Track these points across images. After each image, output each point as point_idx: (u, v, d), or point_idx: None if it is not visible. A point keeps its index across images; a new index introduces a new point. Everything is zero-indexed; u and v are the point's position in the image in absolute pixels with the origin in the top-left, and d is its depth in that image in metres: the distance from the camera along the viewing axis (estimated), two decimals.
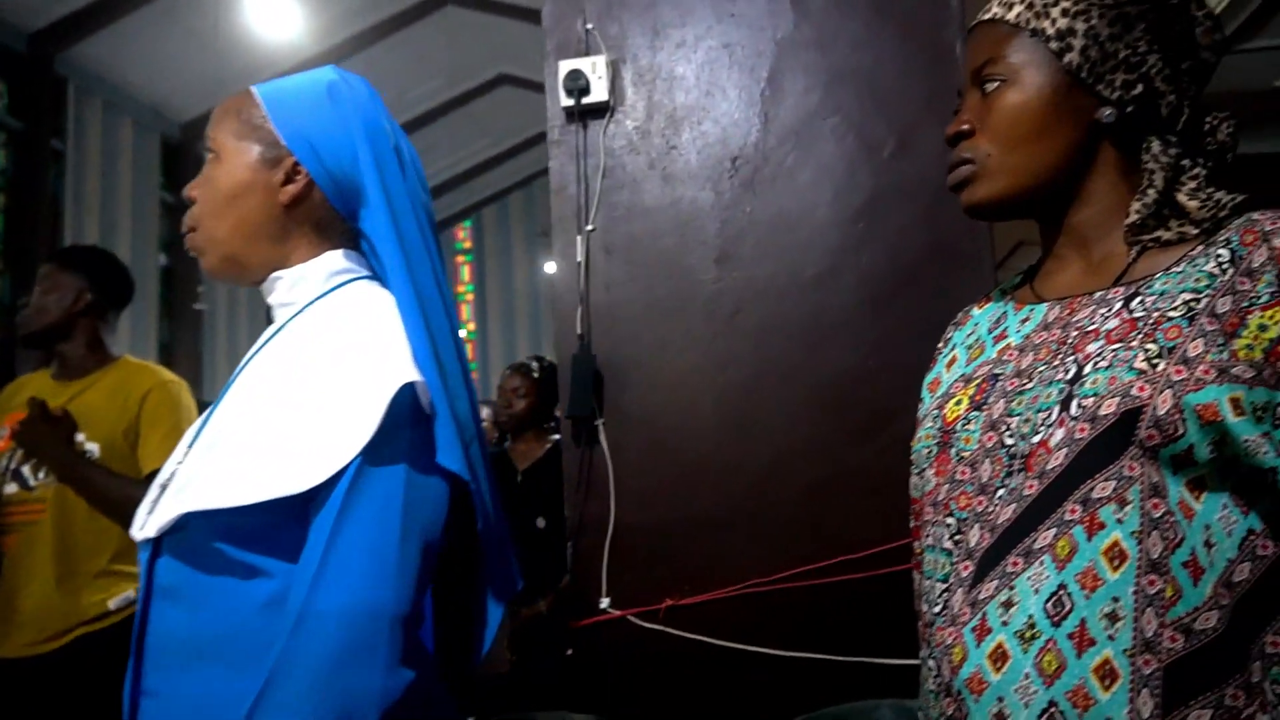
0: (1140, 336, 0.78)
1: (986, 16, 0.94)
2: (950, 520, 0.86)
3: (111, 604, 2.00)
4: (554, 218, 1.94)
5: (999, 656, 0.75)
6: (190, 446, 1.04)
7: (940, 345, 1.06)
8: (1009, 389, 0.85)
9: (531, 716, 1.78)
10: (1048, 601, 0.74)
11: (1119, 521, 0.73)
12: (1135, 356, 0.76)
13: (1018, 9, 0.91)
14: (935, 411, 0.93)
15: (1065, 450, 0.77)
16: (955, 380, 0.94)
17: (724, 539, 1.83)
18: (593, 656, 1.85)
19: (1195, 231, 0.84)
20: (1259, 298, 0.75)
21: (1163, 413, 0.72)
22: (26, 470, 2.04)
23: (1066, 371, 0.81)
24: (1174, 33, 0.87)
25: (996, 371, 0.89)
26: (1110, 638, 0.71)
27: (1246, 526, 0.71)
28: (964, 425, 0.87)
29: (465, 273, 15.63)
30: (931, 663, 0.84)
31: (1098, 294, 0.87)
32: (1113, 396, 0.75)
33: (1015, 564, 0.77)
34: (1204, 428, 0.71)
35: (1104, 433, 0.75)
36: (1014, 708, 0.73)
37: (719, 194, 1.92)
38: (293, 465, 0.93)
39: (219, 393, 1.08)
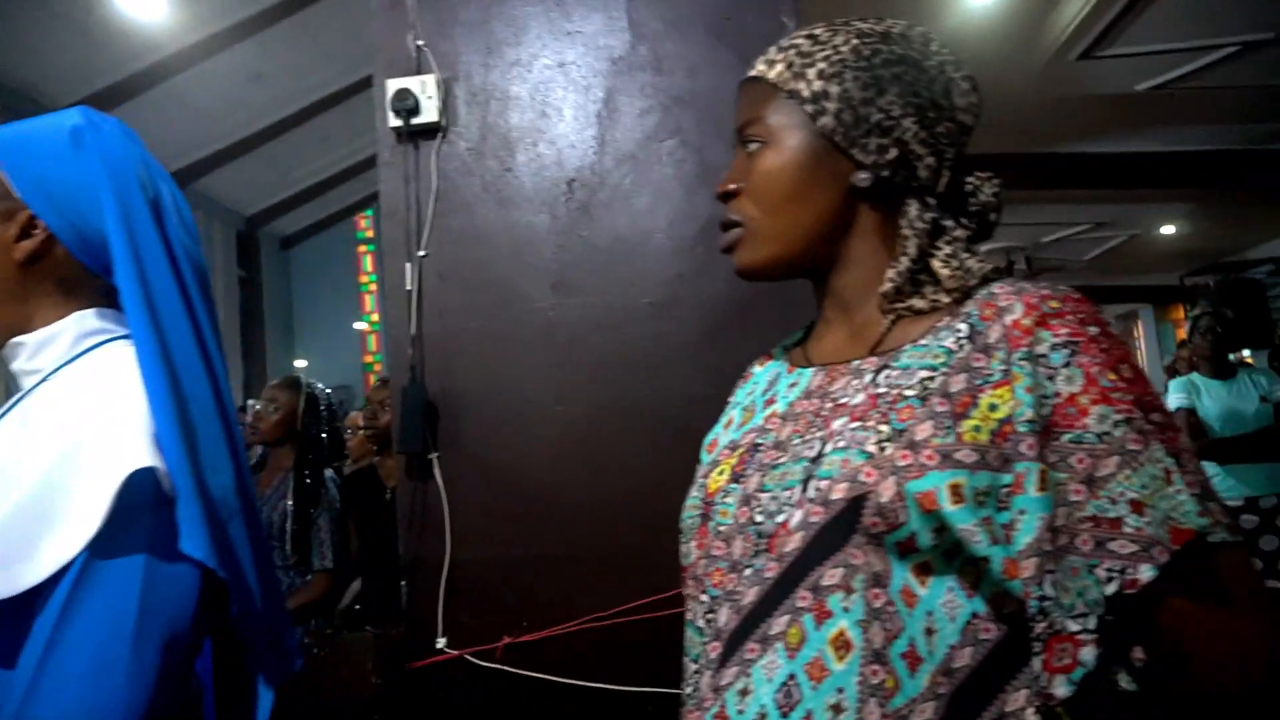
0: (877, 416, 0.76)
1: (752, 73, 0.91)
2: (704, 597, 0.83)
3: None
4: (384, 243, 1.87)
5: None
6: None
7: (730, 399, 1.03)
8: (765, 462, 0.83)
9: None
10: (778, 692, 0.72)
11: (845, 610, 0.71)
12: (868, 438, 0.75)
13: (778, 68, 0.88)
14: (701, 480, 0.90)
15: (801, 534, 0.75)
16: (724, 446, 0.92)
17: (563, 575, 1.79)
18: (429, 697, 1.79)
19: (947, 300, 0.83)
20: (991, 375, 0.74)
21: (885, 500, 0.71)
22: None
23: (812, 449, 0.79)
24: (930, 95, 0.85)
25: (759, 441, 0.86)
26: None
27: (971, 610, 0.70)
28: (723, 498, 0.85)
29: (367, 262, 15.28)
30: None
31: (854, 363, 0.85)
32: (843, 481, 0.73)
33: (753, 650, 0.75)
34: (924, 515, 0.69)
35: (834, 518, 0.73)
36: None
37: (555, 218, 1.86)
38: (9, 563, 0.84)
39: None
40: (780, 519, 0.77)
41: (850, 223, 0.87)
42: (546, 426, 1.82)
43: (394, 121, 1.85)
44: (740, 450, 0.87)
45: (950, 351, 0.78)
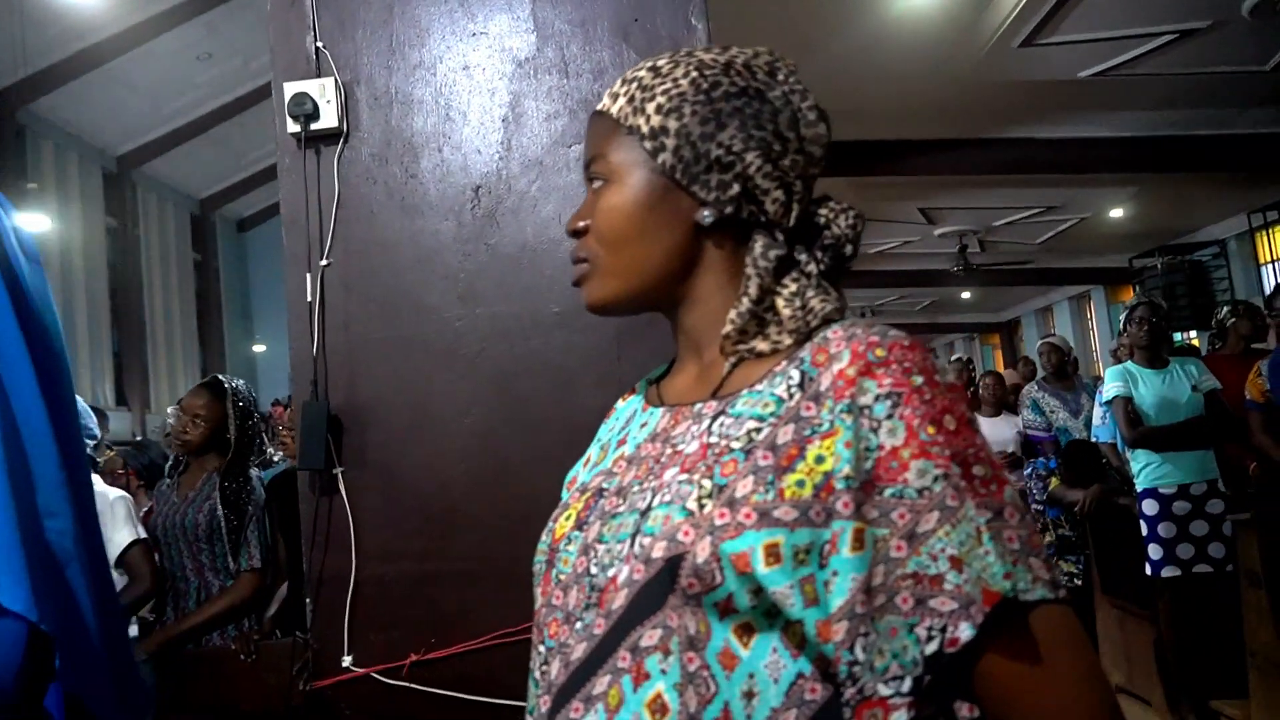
0: (703, 469, 0.74)
1: (599, 106, 0.88)
2: (542, 648, 0.81)
3: None
4: (286, 254, 1.81)
5: None
6: None
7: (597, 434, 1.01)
8: (606, 510, 0.80)
9: None
10: None
11: (663, 672, 0.70)
12: (690, 494, 0.72)
13: (620, 103, 0.85)
14: (550, 524, 0.87)
15: (625, 591, 0.73)
16: (577, 488, 0.89)
17: (473, 590, 1.76)
18: (336, 716, 1.76)
19: (789, 341, 0.80)
20: (820, 425, 0.71)
21: (701, 561, 0.68)
22: None
23: (644, 500, 0.76)
24: (775, 127, 0.82)
25: (605, 486, 0.84)
26: None
27: (796, 670, 0.68)
28: (565, 545, 0.82)
29: None
30: None
31: (697, 406, 0.82)
32: (663, 539, 0.71)
33: (577, 709, 0.73)
34: (740, 576, 0.67)
35: (654, 577, 0.71)
36: None
37: (461, 225, 1.82)
38: None
39: None
40: (611, 573, 0.75)
41: (697, 260, 0.84)
42: (453, 439, 1.78)
43: (292, 127, 1.79)
44: (587, 494, 0.85)
45: (781, 400, 0.75)
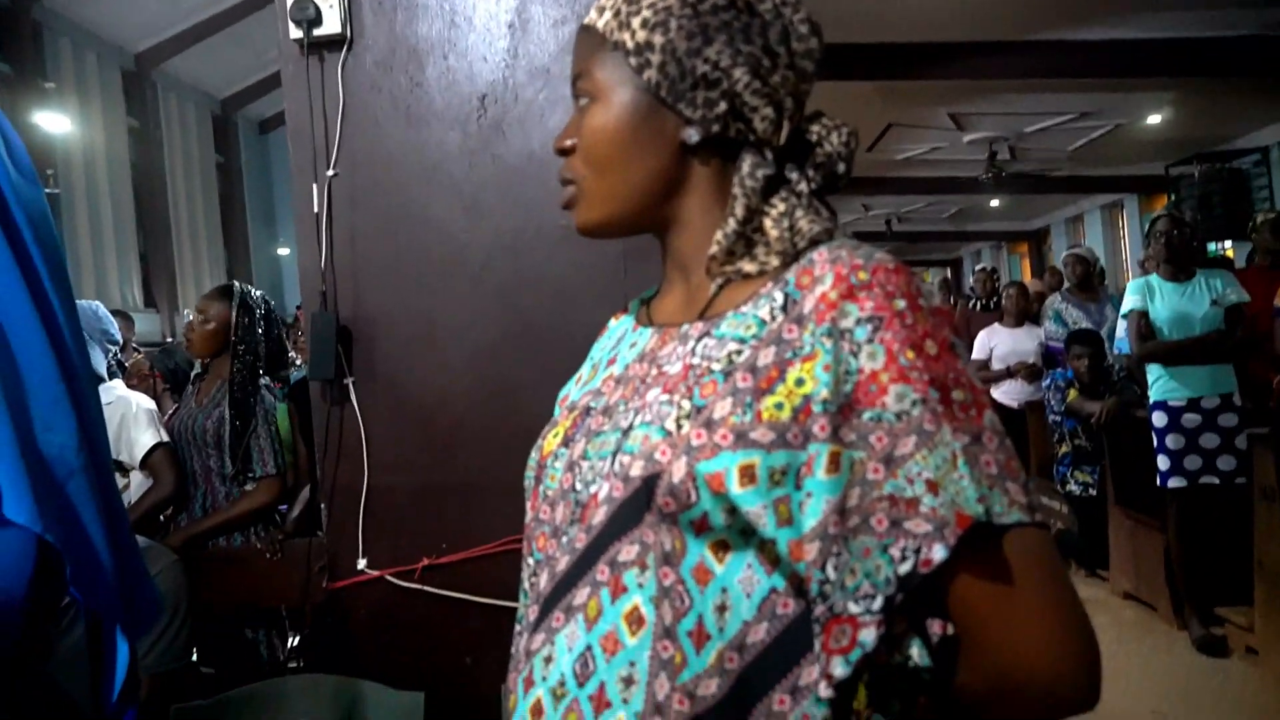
0: (684, 390, 0.75)
1: (586, 20, 0.86)
2: (530, 560, 0.84)
3: None
4: (292, 164, 1.81)
5: (537, 711, 0.76)
6: None
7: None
8: (592, 429, 0.82)
9: (283, 682, 1.75)
10: (576, 662, 0.74)
11: (640, 586, 0.72)
12: (670, 415, 0.73)
13: (606, 17, 0.83)
14: (539, 440, 0.89)
15: (605, 508, 0.75)
16: (567, 406, 0.91)
17: (480, 499, 1.80)
18: (350, 618, 1.83)
19: (776, 263, 0.80)
20: (801, 348, 0.72)
21: (676, 480, 0.70)
22: None
23: (626, 420, 0.78)
24: (764, 42, 0.80)
25: (592, 405, 0.85)
26: (624, 701, 0.71)
27: (769, 586, 0.70)
28: (553, 461, 0.84)
29: None
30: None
31: (683, 327, 0.83)
32: (640, 459, 0.73)
33: (559, 619, 0.76)
34: (714, 496, 0.69)
35: (632, 495, 0.73)
36: None
37: (466, 136, 1.80)
38: None
39: None
40: (593, 489, 0.77)
41: (684, 180, 0.83)
42: (458, 353, 1.80)
43: (294, 33, 1.76)
44: (575, 413, 0.86)
45: (763, 322, 0.75)
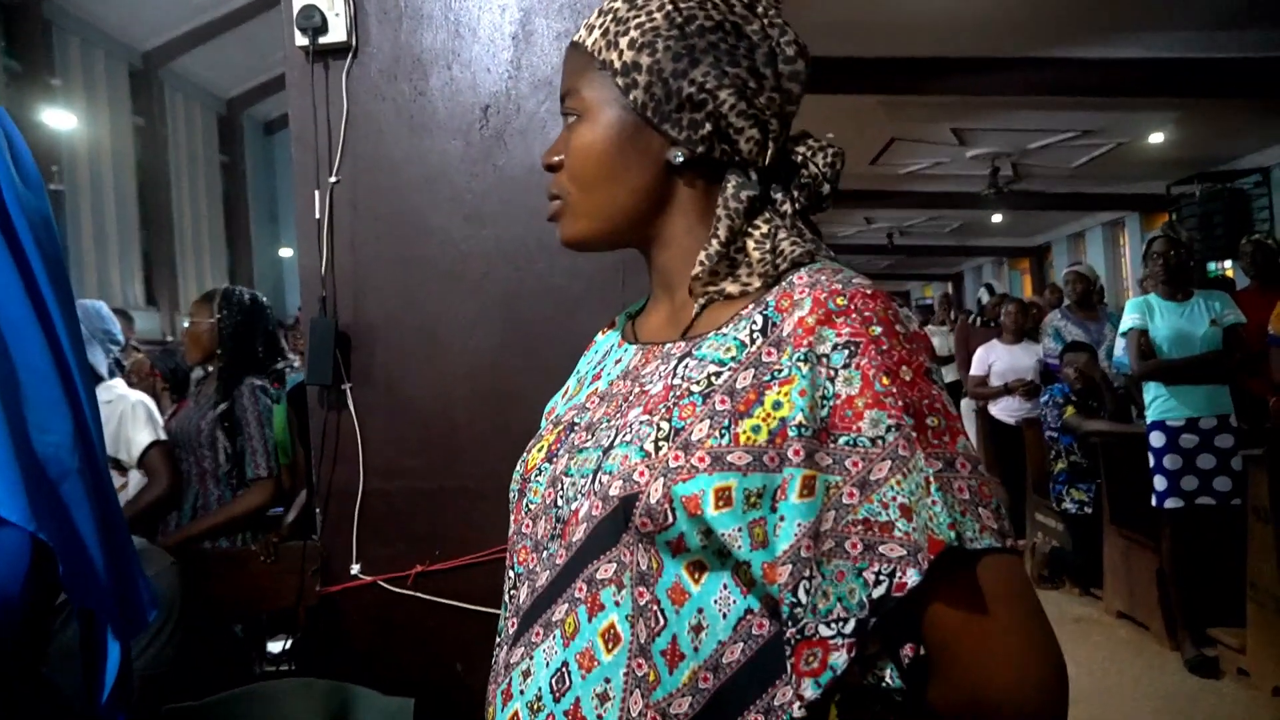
0: (664, 411, 0.76)
1: (575, 37, 0.87)
2: (511, 573, 0.86)
3: None
4: (295, 169, 1.82)
5: None
6: None
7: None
8: (575, 444, 0.83)
9: (272, 685, 1.76)
10: (553, 677, 0.75)
11: (617, 604, 0.73)
12: (649, 436, 0.75)
13: (595, 35, 0.84)
14: (524, 454, 0.90)
15: (585, 525, 0.76)
16: (551, 421, 0.92)
17: (476, 506, 1.81)
18: (342, 622, 1.83)
19: (758, 284, 0.81)
20: (780, 371, 0.73)
21: (653, 502, 0.71)
22: None
23: (608, 438, 0.79)
24: (751, 64, 0.81)
25: (576, 420, 0.86)
26: (599, 717, 0.72)
27: (745, 606, 0.71)
28: (536, 476, 0.86)
29: None
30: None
31: (667, 346, 0.84)
32: (619, 479, 0.74)
33: (538, 634, 0.78)
34: (690, 519, 0.70)
35: (610, 514, 0.74)
36: None
37: (469, 145, 1.82)
38: None
39: None
40: (574, 506, 0.78)
41: (669, 199, 0.84)
42: (457, 360, 1.81)
43: (300, 40, 1.78)
44: (559, 428, 0.88)
45: (742, 345, 0.77)
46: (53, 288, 1.03)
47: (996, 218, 12.62)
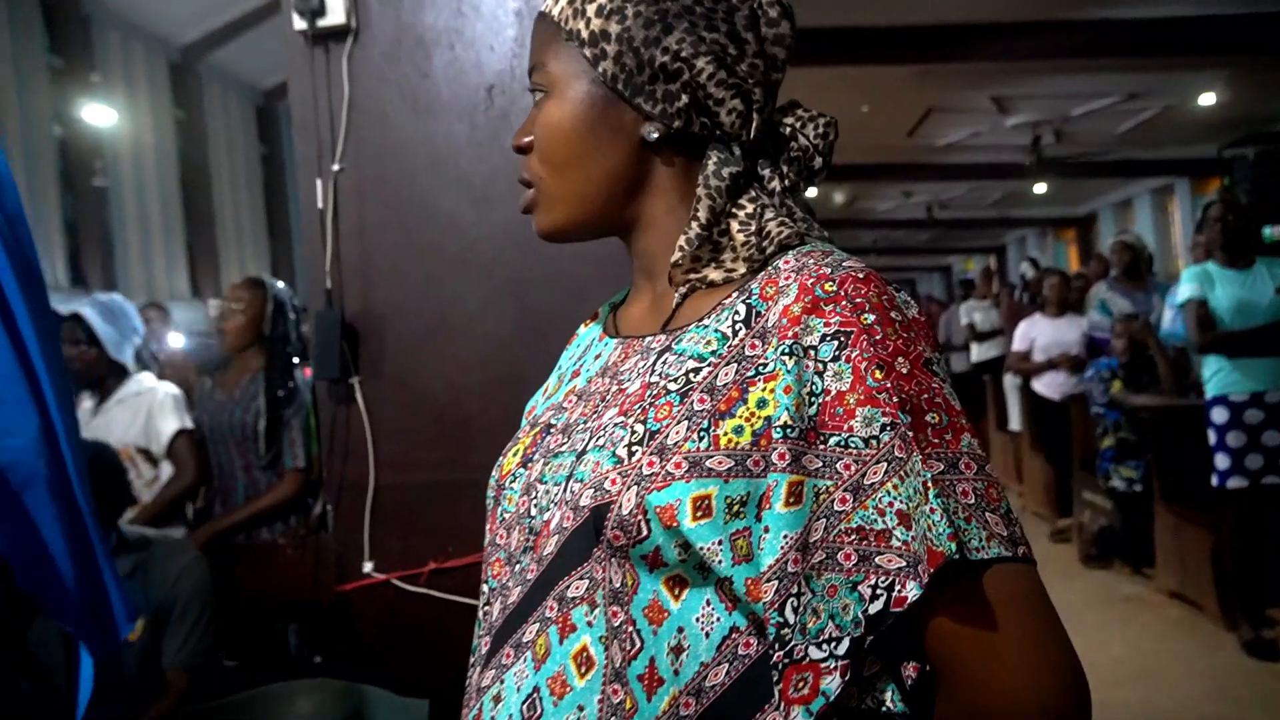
0: (638, 412, 0.70)
1: (543, 7, 0.80)
2: (485, 588, 0.80)
3: None
4: (297, 159, 1.77)
5: None
6: None
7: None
8: (550, 448, 0.77)
9: (287, 686, 1.73)
10: (524, 703, 0.69)
11: (589, 625, 0.68)
12: (622, 439, 0.68)
13: (561, 3, 0.77)
14: (500, 459, 0.84)
15: (556, 538, 0.70)
16: (529, 422, 0.85)
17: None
18: (355, 621, 1.80)
19: (743, 270, 0.74)
20: (765, 366, 0.66)
21: (625, 513, 0.65)
22: None
23: (582, 441, 0.73)
24: (730, 29, 0.73)
25: (553, 421, 0.80)
26: None
27: (730, 624, 0.65)
28: (511, 482, 0.79)
29: None
30: None
31: (647, 339, 0.77)
32: (590, 487, 0.68)
33: (508, 656, 0.72)
34: (666, 531, 0.64)
35: (581, 526, 0.68)
36: None
37: (475, 127, 1.75)
38: None
39: None
40: (546, 517, 0.72)
41: (646, 180, 0.77)
42: (467, 348, 1.76)
43: (299, 24, 1.72)
44: (536, 430, 0.81)
45: (724, 337, 0.70)
46: (20, 286, 0.99)
47: (1039, 188, 12.31)
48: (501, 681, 0.72)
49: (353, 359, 1.77)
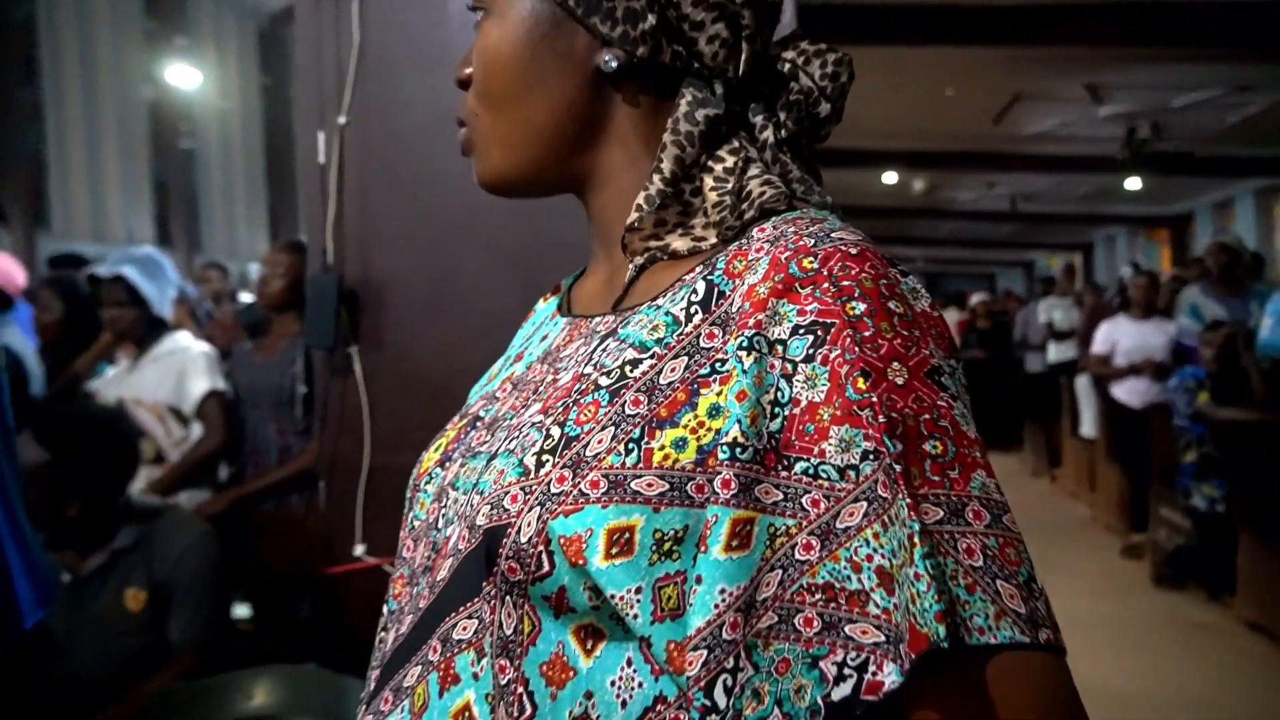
0: (560, 411, 0.55)
1: None
2: (384, 609, 0.66)
3: None
4: (298, 109, 1.65)
5: None
6: None
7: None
8: (472, 446, 0.63)
9: (269, 670, 1.63)
10: None
11: (475, 678, 0.53)
12: (533, 445, 0.54)
13: None
14: (422, 454, 0.69)
15: (451, 560, 0.56)
16: (460, 413, 0.71)
17: None
18: (345, 605, 1.69)
19: (714, 239, 0.59)
20: (722, 362, 0.51)
21: (524, 540, 0.50)
22: None
23: (500, 442, 0.58)
24: None
25: (481, 414, 0.66)
26: None
27: (655, 693, 0.49)
28: (426, 483, 0.65)
29: None
30: None
31: (594, 320, 0.62)
32: (488, 503, 0.53)
33: (387, 701, 0.58)
34: (573, 569, 0.49)
35: (475, 550, 0.54)
36: None
37: None
38: None
39: None
40: (448, 532, 0.58)
41: (603, 122, 0.62)
42: (469, 321, 1.62)
43: None
44: (464, 422, 0.67)
45: (675, 322, 0.55)
46: None
47: (1132, 183, 11.71)
48: None
49: (352, 327, 1.65)
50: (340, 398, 1.66)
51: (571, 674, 0.50)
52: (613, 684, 0.50)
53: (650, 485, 0.49)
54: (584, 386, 0.55)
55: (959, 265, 21.15)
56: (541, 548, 0.50)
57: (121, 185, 10.76)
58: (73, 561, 1.89)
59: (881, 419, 0.47)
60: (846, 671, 0.45)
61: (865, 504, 0.46)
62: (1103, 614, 4.11)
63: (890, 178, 10.61)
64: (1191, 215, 13.82)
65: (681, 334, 0.54)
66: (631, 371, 0.54)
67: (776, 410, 0.49)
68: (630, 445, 0.51)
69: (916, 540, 0.45)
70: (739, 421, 0.49)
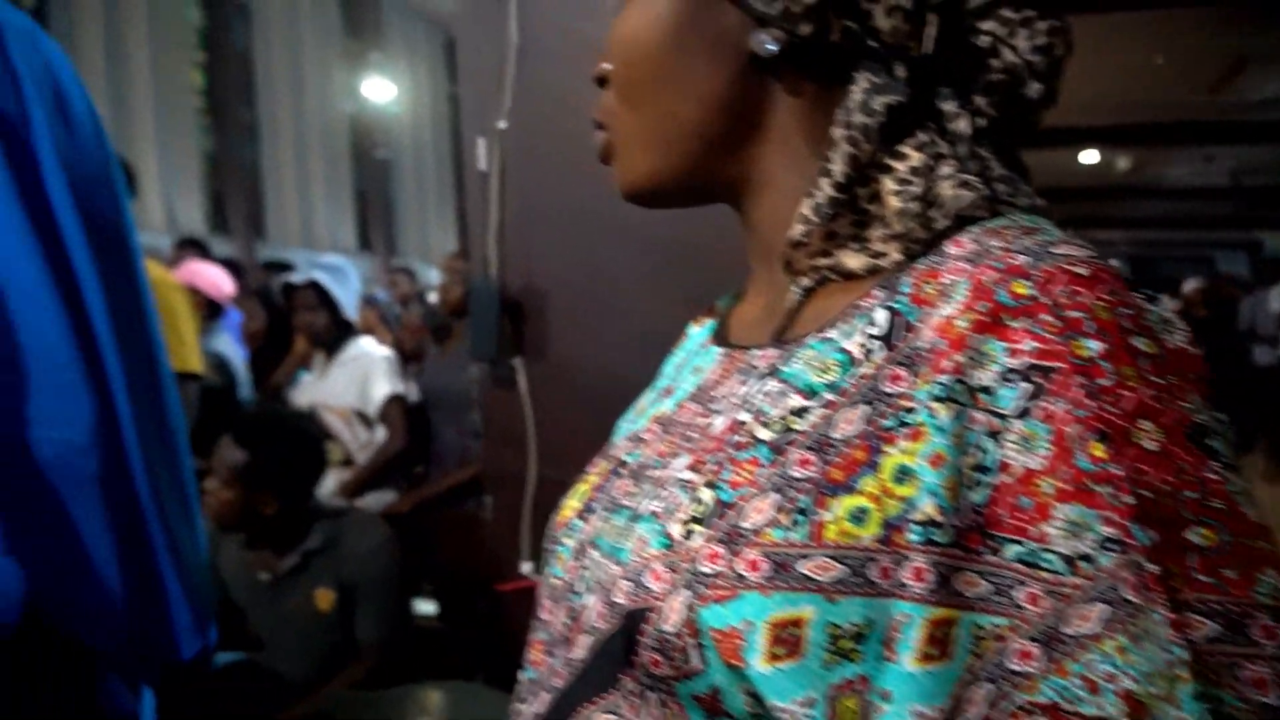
0: (713, 468, 0.45)
1: None
2: (521, 676, 0.57)
3: None
4: (462, 114, 1.62)
5: None
6: None
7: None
8: (615, 497, 0.53)
9: (442, 687, 1.61)
10: None
11: None
12: (680, 509, 0.44)
13: None
14: (562, 499, 0.60)
15: (587, 639, 0.47)
16: (604, 454, 0.61)
17: None
18: (510, 625, 1.65)
19: (897, 256, 0.47)
20: (910, 413, 0.40)
21: (669, 629, 0.41)
22: None
23: (646, 498, 0.49)
24: None
25: (626, 458, 0.56)
26: None
27: None
28: (566, 535, 0.56)
29: None
30: None
31: (753, 352, 0.52)
32: (627, 579, 0.44)
33: None
34: (728, 669, 0.39)
35: (612, 634, 0.45)
36: None
37: None
38: None
39: None
40: (585, 600, 0.49)
41: (760, 117, 0.51)
42: (640, 323, 1.53)
43: None
44: (608, 466, 0.57)
45: (849, 361, 0.44)
46: (93, 253, 0.86)
47: None
48: None
49: (516, 339, 1.60)
50: (504, 409, 1.62)
51: None
52: None
53: (823, 568, 0.39)
54: (740, 439, 0.45)
55: (1169, 249, 19.62)
56: (689, 640, 0.40)
57: (326, 195, 11.58)
58: (270, 562, 1.96)
59: (1128, 499, 0.35)
60: None
61: (1103, 606, 0.35)
62: None
63: (1090, 156, 9.87)
64: None
65: (858, 376, 0.43)
66: (798, 424, 0.43)
67: (980, 479, 0.38)
68: (798, 517, 0.40)
69: (1184, 666, 0.33)
70: (934, 495, 0.37)
